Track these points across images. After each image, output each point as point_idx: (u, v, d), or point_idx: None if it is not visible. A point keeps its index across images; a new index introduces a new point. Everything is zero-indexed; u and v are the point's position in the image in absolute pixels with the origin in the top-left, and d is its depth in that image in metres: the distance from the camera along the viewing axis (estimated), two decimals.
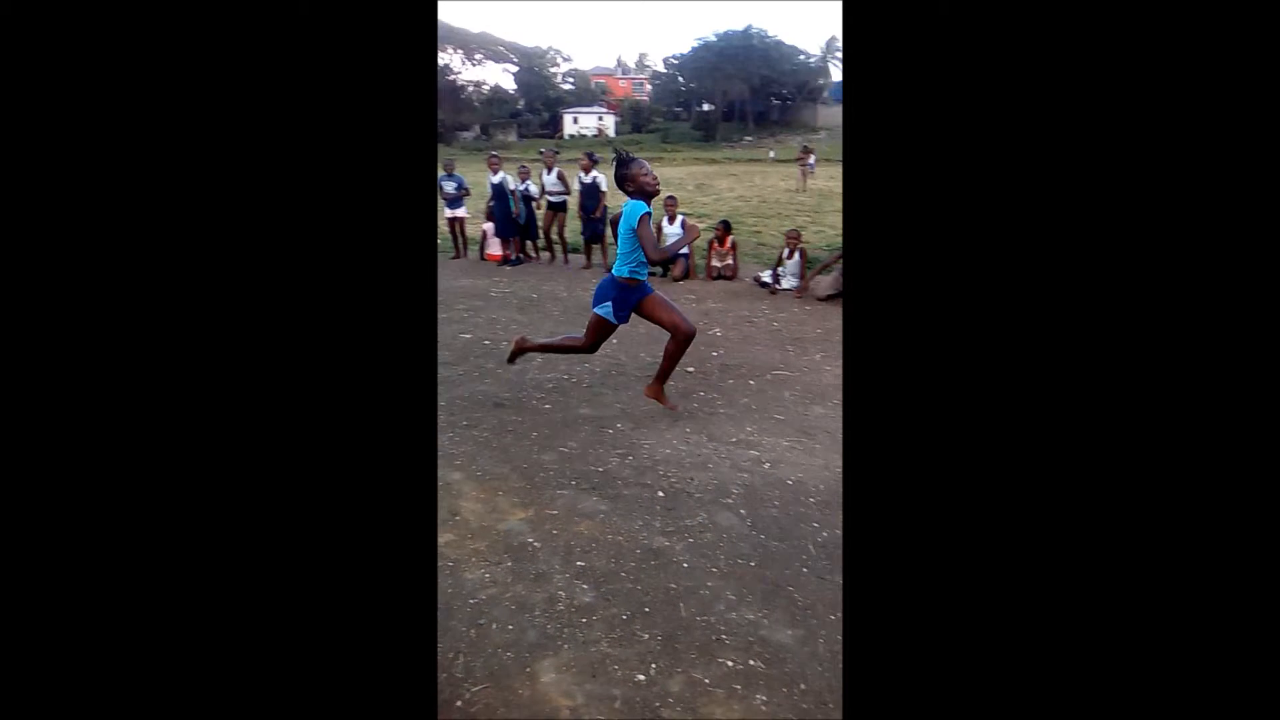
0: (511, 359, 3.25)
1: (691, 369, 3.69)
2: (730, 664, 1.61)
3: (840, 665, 1.60)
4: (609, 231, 6.12)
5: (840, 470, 2.57)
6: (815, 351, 4.03)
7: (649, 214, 2.69)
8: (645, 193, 2.74)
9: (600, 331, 2.93)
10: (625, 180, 2.75)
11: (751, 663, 1.61)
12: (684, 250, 5.88)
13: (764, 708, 1.48)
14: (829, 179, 16.33)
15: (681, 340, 2.87)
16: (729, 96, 36.40)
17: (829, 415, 3.08)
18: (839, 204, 11.35)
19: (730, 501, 2.35)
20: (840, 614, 1.77)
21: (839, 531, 2.17)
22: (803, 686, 1.54)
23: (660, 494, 2.39)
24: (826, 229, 8.55)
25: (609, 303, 2.84)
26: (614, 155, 2.88)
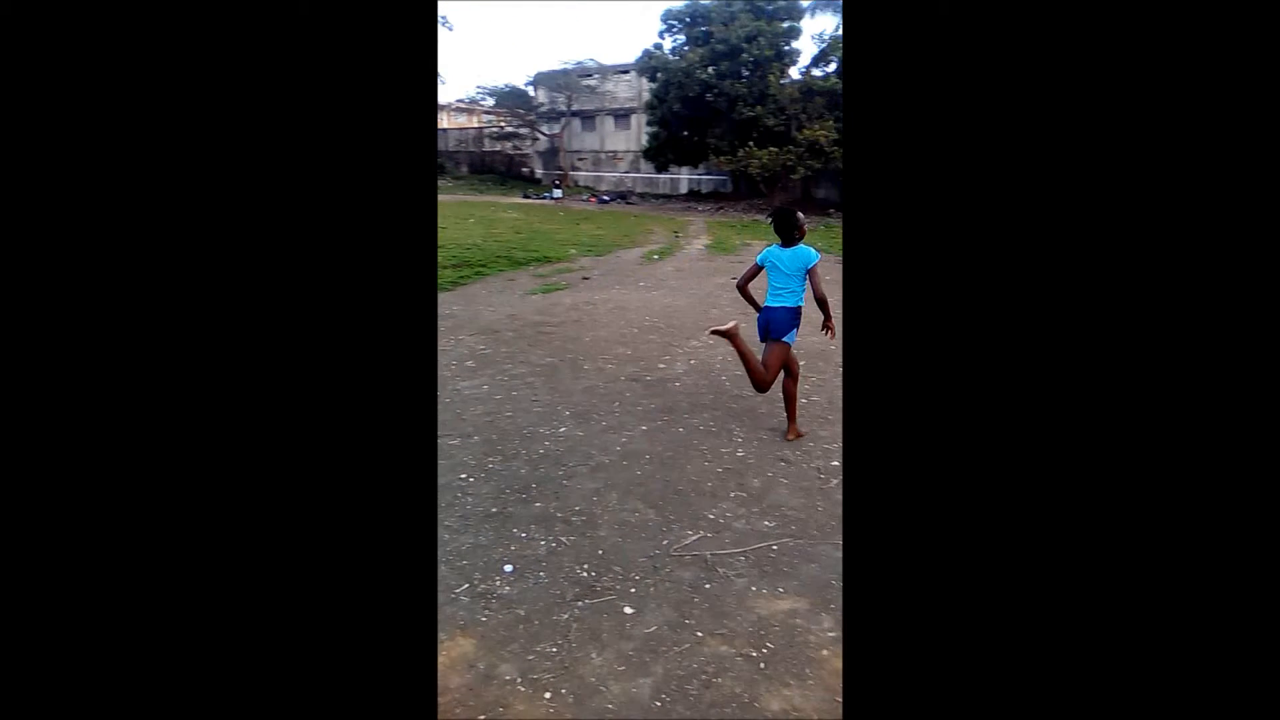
0: (725, 335, 3.27)
1: None
2: None
3: None
4: None
5: None
6: None
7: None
8: (802, 238, 3.17)
9: (786, 360, 3.17)
10: (795, 228, 3.16)
11: None
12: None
13: None
14: None
15: (790, 377, 3.25)
16: None
17: None
18: None
19: None
20: None
21: None
22: None
23: None
24: None
25: (795, 330, 3.14)
26: (770, 213, 3.25)
